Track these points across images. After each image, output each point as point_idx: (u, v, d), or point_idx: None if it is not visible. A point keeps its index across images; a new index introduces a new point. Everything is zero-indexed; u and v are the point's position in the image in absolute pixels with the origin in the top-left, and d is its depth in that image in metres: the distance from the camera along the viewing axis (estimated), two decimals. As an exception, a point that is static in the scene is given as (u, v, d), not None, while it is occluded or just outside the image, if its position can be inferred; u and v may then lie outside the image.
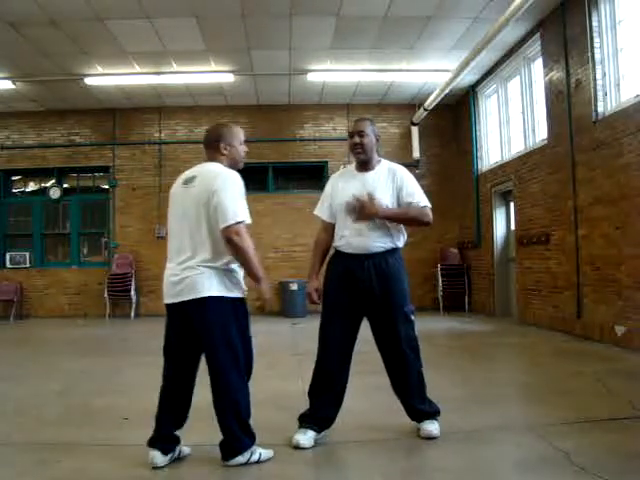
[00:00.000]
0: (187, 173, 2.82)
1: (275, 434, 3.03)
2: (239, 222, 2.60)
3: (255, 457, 2.71)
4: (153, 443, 2.69)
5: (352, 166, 3.28)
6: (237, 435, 2.68)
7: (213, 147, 2.82)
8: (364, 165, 3.16)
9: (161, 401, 2.75)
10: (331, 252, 3.23)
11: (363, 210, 2.95)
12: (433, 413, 3.09)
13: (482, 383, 4.52)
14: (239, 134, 2.87)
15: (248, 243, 2.62)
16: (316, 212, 3.28)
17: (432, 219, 3.12)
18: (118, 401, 4.01)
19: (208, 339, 2.68)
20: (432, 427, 3.03)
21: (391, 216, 3.02)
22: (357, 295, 3.02)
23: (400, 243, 3.13)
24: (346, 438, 3.10)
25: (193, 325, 2.69)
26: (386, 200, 3.03)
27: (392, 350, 3.06)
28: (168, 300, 2.73)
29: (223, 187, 2.63)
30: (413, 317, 3.08)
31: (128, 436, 3.13)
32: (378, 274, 3.00)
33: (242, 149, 2.87)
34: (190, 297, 2.63)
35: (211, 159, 2.82)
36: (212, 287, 2.62)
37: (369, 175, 3.13)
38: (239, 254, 2.63)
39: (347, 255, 3.07)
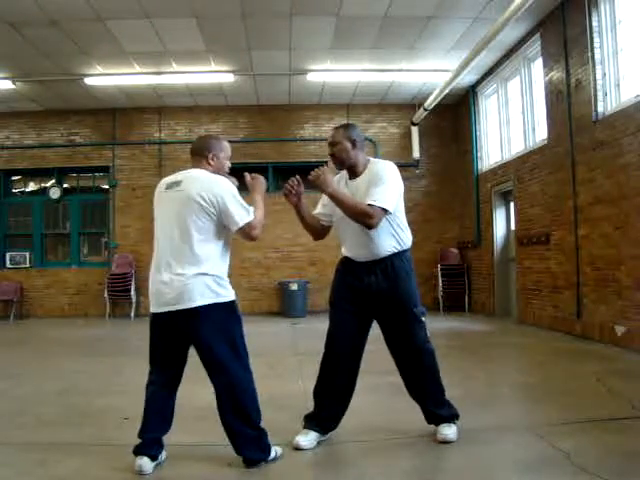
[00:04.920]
0: (170, 178, 2.82)
1: (275, 434, 3.02)
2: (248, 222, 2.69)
3: (272, 455, 2.74)
4: (140, 450, 2.66)
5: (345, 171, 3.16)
6: (255, 440, 2.69)
7: (201, 155, 2.82)
8: (351, 172, 3.07)
9: (148, 408, 2.73)
10: (339, 258, 3.19)
11: (317, 180, 2.91)
12: (450, 417, 3.03)
13: (482, 383, 4.52)
14: (226, 149, 2.90)
15: (260, 229, 2.77)
16: (315, 212, 3.26)
17: (375, 222, 2.83)
18: (118, 401, 4.02)
19: (209, 347, 2.66)
20: (449, 431, 2.97)
21: (337, 198, 2.90)
22: (365, 299, 2.99)
23: (407, 243, 3.06)
24: (346, 438, 3.09)
25: (186, 334, 2.67)
26: None
27: (403, 352, 3.03)
28: (158, 309, 2.68)
29: (226, 192, 2.68)
30: (424, 318, 3.02)
31: (128, 436, 3.12)
32: (385, 277, 2.96)
33: (227, 164, 2.90)
34: (182, 307, 2.60)
35: (196, 167, 2.81)
36: (203, 295, 2.61)
37: (356, 183, 3.03)
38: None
39: (355, 262, 3.04)
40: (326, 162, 11.56)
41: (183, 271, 2.61)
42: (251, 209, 2.73)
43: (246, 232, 2.71)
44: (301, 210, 3.11)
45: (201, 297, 2.61)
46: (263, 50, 8.17)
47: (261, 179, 2.96)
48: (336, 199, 2.91)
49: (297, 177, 3.02)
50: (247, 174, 3.00)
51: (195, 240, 2.63)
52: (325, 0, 6.72)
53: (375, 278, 2.97)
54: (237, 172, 2.97)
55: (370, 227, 2.86)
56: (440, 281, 10.16)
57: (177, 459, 2.80)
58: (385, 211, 2.86)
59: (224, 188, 2.68)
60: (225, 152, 2.88)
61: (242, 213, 2.67)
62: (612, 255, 5.90)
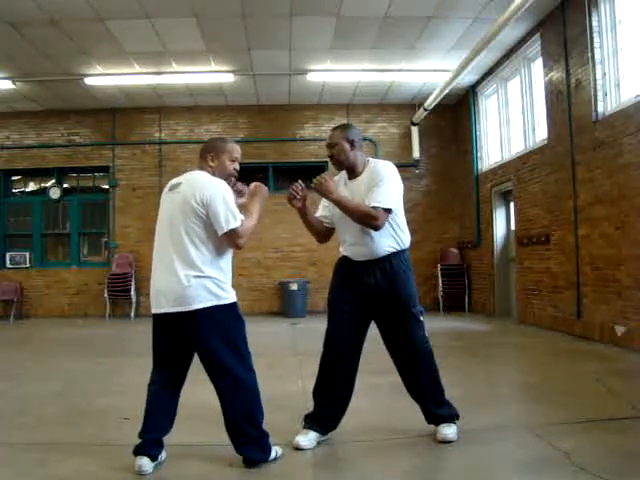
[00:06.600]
0: (175, 179, 2.83)
1: (275, 434, 3.03)
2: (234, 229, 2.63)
3: (273, 455, 2.75)
4: (140, 451, 2.65)
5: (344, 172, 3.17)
6: (257, 440, 2.70)
7: (203, 157, 2.84)
8: (350, 172, 3.08)
9: (149, 408, 2.72)
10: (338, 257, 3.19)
11: (320, 187, 2.92)
12: (450, 417, 3.03)
13: (482, 383, 4.52)
14: (232, 151, 2.84)
15: (246, 238, 2.70)
16: (317, 214, 3.27)
17: (380, 223, 2.86)
18: (118, 401, 4.02)
19: (211, 349, 2.65)
20: (449, 431, 2.98)
21: (341, 203, 2.91)
22: (363, 299, 2.99)
23: (406, 244, 3.07)
24: (346, 438, 3.09)
25: (187, 336, 2.67)
26: None
27: (402, 352, 3.03)
28: (158, 310, 2.68)
29: (216, 194, 2.64)
30: (422, 318, 3.03)
31: (128, 436, 3.12)
32: (383, 277, 2.96)
33: (231, 166, 2.84)
34: (181, 309, 2.60)
35: (199, 168, 2.83)
36: (203, 298, 2.60)
37: (356, 183, 3.04)
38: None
39: (353, 262, 3.04)
40: (326, 162, 11.60)
41: (182, 273, 2.60)
42: (240, 216, 2.67)
43: (231, 239, 2.65)
44: (306, 214, 3.10)
45: (201, 300, 2.60)
46: (263, 50, 8.17)
47: (263, 189, 2.92)
48: (340, 205, 2.93)
49: (300, 182, 3.02)
50: (253, 184, 2.96)
51: (192, 242, 2.62)
52: (325, 0, 6.72)
53: (374, 278, 2.98)
54: (238, 173, 2.95)
55: (376, 228, 2.89)
56: (440, 281, 10.16)
57: (177, 459, 2.80)
58: (389, 211, 2.89)
59: (216, 190, 2.65)
60: (229, 153, 2.83)
61: (229, 218, 2.61)
62: (612, 255, 5.90)
